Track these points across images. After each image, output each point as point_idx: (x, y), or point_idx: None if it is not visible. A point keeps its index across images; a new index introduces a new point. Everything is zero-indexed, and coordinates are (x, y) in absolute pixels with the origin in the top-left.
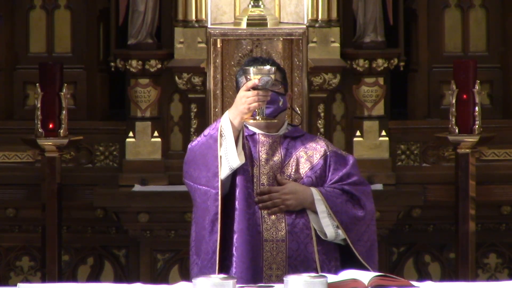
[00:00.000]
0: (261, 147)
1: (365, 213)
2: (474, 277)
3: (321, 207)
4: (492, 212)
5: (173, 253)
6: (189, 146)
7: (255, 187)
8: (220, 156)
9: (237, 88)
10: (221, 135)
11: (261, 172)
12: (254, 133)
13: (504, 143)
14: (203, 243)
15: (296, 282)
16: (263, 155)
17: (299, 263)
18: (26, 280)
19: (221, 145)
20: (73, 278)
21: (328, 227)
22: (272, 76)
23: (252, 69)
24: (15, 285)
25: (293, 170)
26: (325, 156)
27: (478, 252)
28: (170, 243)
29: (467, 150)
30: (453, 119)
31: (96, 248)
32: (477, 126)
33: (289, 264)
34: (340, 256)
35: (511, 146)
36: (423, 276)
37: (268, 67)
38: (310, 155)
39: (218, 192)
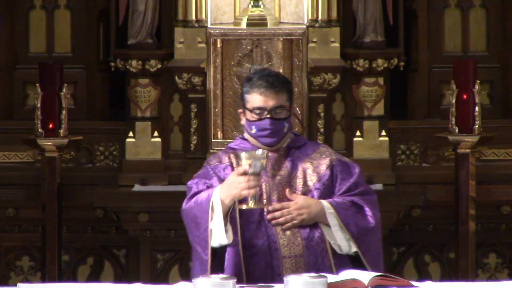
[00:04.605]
0: (267, 162)
1: (375, 224)
2: (474, 277)
3: (333, 220)
4: (492, 212)
5: (173, 253)
6: (183, 206)
7: (265, 203)
8: (211, 229)
9: (243, 102)
10: (212, 209)
11: (271, 188)
12: (259, 149)
13: (504, 143)
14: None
15: (296, 282)
16: (270, 171)
17: None
18: (26, 280)
19: (211, 218)
20: (73, 278)
21: (342, 240)
22: (263, 161)
23: (243, 154)
24: (15, 285)
25: (301, 183)
26: (331, 166)
27: (478, 252)
28: (170, 243)
29: (467, 150)
30: (453, 119)
31: (96, 248)
32: (477, 126)
33: None
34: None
35: (511, 146)
36: (423, 276)
37: (260, 151)
38: (316, 165)
39: (208, 260)
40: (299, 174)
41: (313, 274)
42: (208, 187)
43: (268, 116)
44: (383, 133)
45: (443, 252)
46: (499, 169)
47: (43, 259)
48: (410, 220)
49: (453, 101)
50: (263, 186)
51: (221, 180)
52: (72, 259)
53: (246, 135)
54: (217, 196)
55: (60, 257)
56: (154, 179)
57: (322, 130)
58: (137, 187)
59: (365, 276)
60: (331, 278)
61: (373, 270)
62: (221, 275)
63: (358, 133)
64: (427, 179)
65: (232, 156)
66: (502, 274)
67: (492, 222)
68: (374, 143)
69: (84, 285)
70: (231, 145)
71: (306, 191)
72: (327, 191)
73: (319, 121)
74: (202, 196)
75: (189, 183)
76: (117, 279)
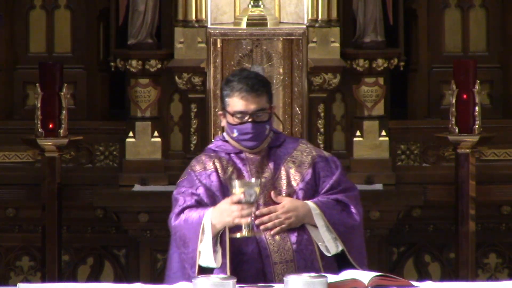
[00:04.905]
0: (251, 165)
1: (359, 220)
2: (474, 277)
3: (320, 221)
4: (492, 212)
5: None
6: (172, 221)
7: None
8: (199, 251)
9: (223, 105)
10: (202, 232)
11: None
12: (241, 151)
13: (504, 143)
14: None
15: (296, 282)
16: (254, 174)
17: None
18: (26, 280)
19: (201, 240)
20: (73, 278)
21: (330, 241)
22: (257, 189)
23: (237, 182)
24: (15, 285)
25: (285, 184)
26: (313, 165)
27: (478, 252)
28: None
29: (467, 150)
30: (453, 119)
31: (96, 248)
32: (477, 126)
33: None
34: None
35: (511, 146)
36: (423, 276)
37: (253, 180)
38: (298, 164)
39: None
40: (283, 174)
41: (313, 274)
42: (196, 201)
43: (250, 120)
44: (383, 133)
45: (443, 252)
46: (499, 169)
47: (43, 259)
48: (410, 220)
49: (453, 101)
50: None
51: (207, 188)
52: (72, 259)
53: (226, 137)
54: (208, 220)
55: (60, 257)
56: (154, 179)
57: (322, 130)
58: (137, 187)
59: (365, 276)
60: (331, 278)
61: (359, 265)
62: (221, 275)
63: (358, 133)
64: (427, 179)
65: (216, 161)
66: (502, 274)
67: (492, 222)
68: (374, 143)
69: (84, 285)
70: (212, 147)
71: (290, 192)
72: (311, 190)
73: (319, 121)
74: (193, 216)
75: (175, 193)
76: (117, 279)
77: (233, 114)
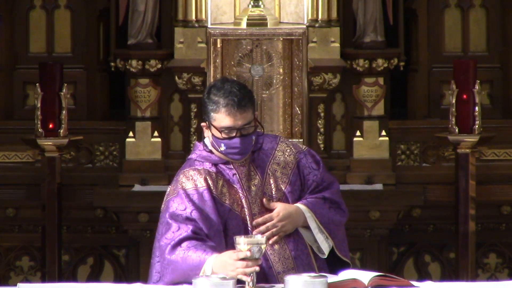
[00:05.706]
0: (241, 174)
1: (347, 217)
2: (474, 277)
3: (312, 223)
4: (492, 212)
5: None
6: (167, 253)
7: (247, 219)
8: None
9: (208, 118)
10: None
11: (251, 202)
12: (228, 162)
13: (504, 143)
14: None
15: (296, 282)
16: (245, 183)
17: None
18: (26, 280)
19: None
20: (73, 278)
21: (323, 242)
22: (263, 246)
23: (242, 239)
24: (15, 285)
25: (274, 189)
26: (297, 163)
27: (478, 252)
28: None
29: (467, 150)
30: (453, 119)
31: (96, 248)
32: (477, 126)
33: None
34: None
35: (511, 146)
36: (423, 276)
37: (259, 237)
38: (283, 166)
39: None
40: (270, 179)
41: (313, 274)
42: (193, 232)
43: (238, 135)
44: (383, 133)
45: (443, 252)
46: (499, 169)
47: (43, 259)
48: (410, 220)
49: (453, 101)
50: (243, 201)
51: (201, 211)
52: (72, 259)
53: (210, 147)
54: (210, 266)
55: (60, 257)
56: (154, 179)
57: (322, 130)
58: (137, 187)
59: (365, 276)
60: (331, 278)
61: (345, 256)
62: (221, 275)
63: (358, 133)
64: (427, 179)
65: (207, 177)
66: (502, 274)
67: (492, 222)
68: (374, 143)
69: (84, 285)
70: (196, 157)
71: (280, 197)
72: (297, 190)
73: (319, 121)
74: (192, 258)
75: (167, 216)
76: (117, 279)
77: (220, 130)
